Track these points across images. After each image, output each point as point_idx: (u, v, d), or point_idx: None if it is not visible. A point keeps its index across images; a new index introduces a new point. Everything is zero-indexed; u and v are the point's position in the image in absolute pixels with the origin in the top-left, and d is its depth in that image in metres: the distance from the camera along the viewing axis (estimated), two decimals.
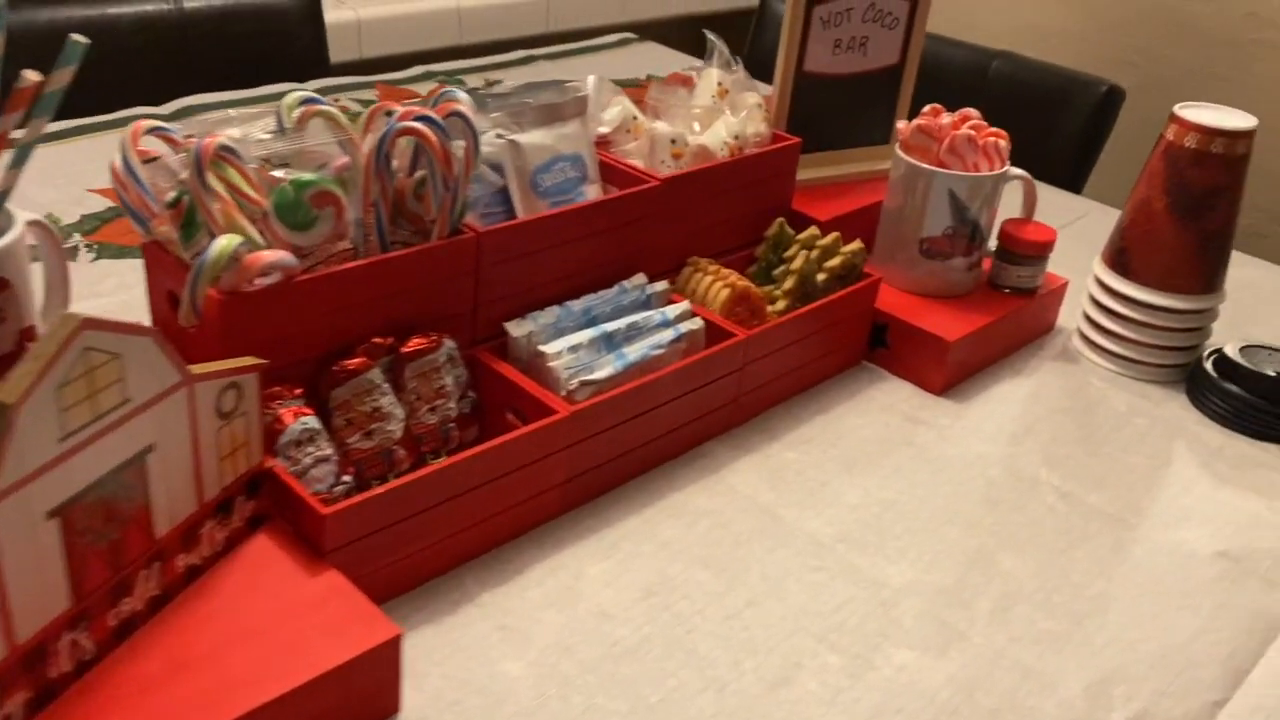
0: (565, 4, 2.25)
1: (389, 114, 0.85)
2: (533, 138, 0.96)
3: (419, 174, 0.86)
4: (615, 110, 1.07)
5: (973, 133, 1.11)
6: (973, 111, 1.16)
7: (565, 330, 0.92)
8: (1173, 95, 2.18)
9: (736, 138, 1.07)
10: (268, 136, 0.82)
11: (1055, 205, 1.56)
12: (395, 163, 0.85)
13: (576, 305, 0.95)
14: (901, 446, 1.02)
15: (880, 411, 1.07)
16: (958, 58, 1.82)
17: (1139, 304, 1.13)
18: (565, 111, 1.00)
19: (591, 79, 1.08)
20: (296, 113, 0.85)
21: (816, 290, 1.07)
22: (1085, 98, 1.69)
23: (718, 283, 1.04)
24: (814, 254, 1.11)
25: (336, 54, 1.84)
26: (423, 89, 1.74)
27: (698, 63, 1.15)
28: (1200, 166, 1.07)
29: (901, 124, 1.14)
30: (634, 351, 0.91)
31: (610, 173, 1.04)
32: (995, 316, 1.13)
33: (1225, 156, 1.07)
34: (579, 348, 0.90)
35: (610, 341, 0.92)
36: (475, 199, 0.93)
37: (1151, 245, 1.11)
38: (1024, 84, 1.74)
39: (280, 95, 1.76)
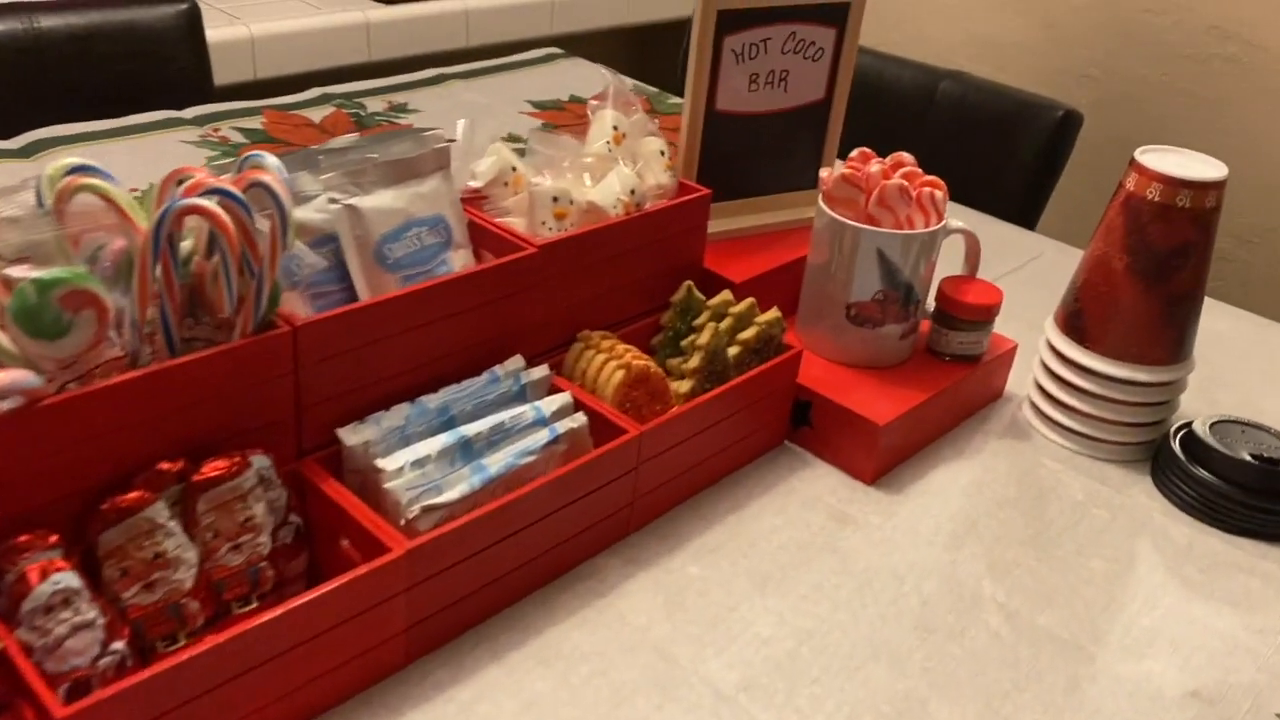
0: (486, 17, 2.09)
1: (181, 182, 0.69)
2: (378, 200, 0.81)
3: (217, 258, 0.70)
4: (490, 161, 0.91)
5: (905, 183, 0.96)
6: (906, 157, 1.02)
7: (415, 435, 0.77)
8: (1133, 111, 2.05)
9: (633, 192, 0.92)
10: (21, 214, 0.66)
11: (1006, 243, 1.42)
12: (187, 243, 0.69)
13: (433, 401, 0.80)
14: (825, 554, 0.87)
15: (802, 507, 0.92)
16: (904, 78, 1.68)
17: (1096, 375, 0.99)
18: (421, 166, 0.84)
19: (462, 123, 0.92)
20: (62, 184, 0.69)
21: (728, 366, 0.93)
22: (1040, 123, 1.55)
23: (611, 362, 0.89)
24: (725, 324, 0.96)
25: (225, 75, 1.68)
26: (317, 114, 1.58)
27: (629, 81, 1.00)
28: (1165, 222, 0.94)
29: (825, 172, 0.99)
30: (497, 462, 0.76)
31: (482, 236, 0.89)
32: (933, 391, 0.99)
33: (1193, 211, 0.93)
34: (426, 461, 0.74)
35: (468, 450, 0.76)
36: (300, 279, 0.77)
37: (1110, 309, 0.98)
38: (974, 107, 1.61)
39: (153, 126, 1.61)
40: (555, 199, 0.89)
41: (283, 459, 0.74)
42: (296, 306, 0.77)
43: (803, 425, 0.99)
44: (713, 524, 0.90)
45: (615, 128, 0.96)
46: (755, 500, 0.93)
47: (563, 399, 0.82)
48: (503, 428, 0.78)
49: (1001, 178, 1.57)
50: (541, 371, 0.85)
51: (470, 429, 0.77)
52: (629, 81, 1.00)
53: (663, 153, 0.97)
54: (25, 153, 1.35)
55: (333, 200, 0.78)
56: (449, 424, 0.79)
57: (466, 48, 2.03)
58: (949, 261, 1.11)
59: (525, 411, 0.80)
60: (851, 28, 1.06)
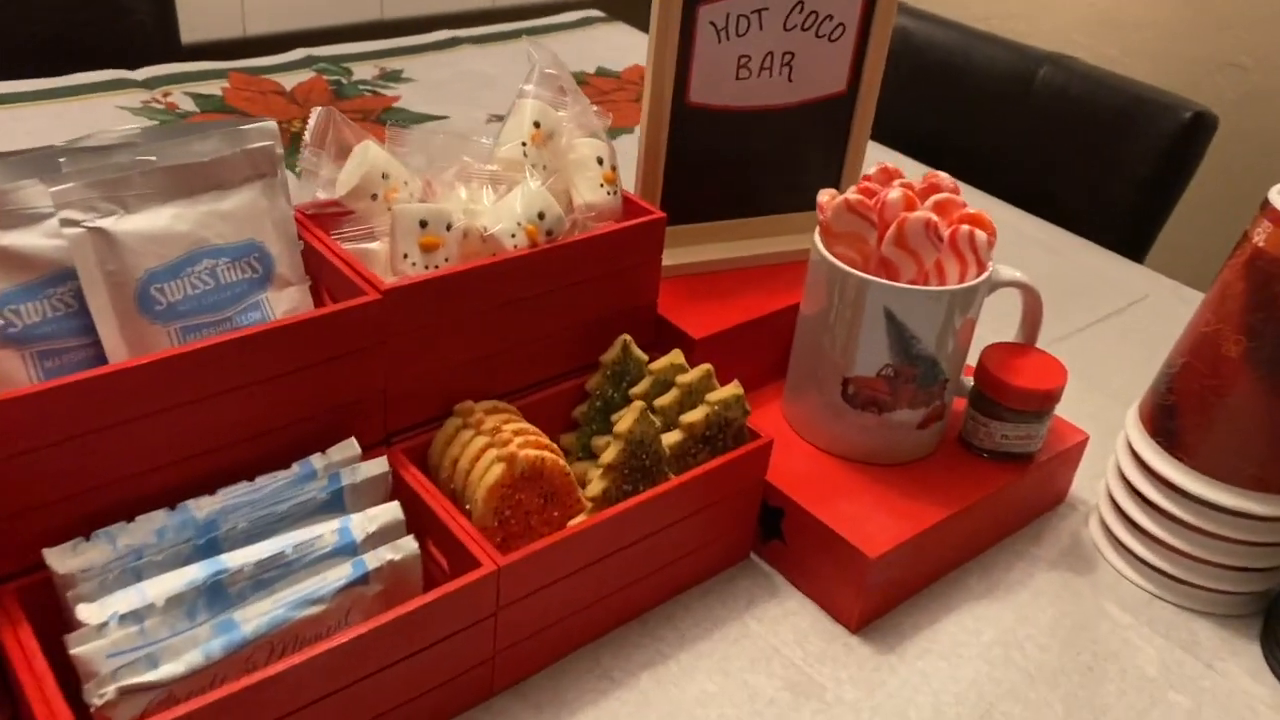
0: None
1: None
2: (144, 222, 0.57)
3: None
4: (354, 163, 0.67)
5: (934, 217, 0.69)
6: (945, 179, 0.74)
7: (154, 565, 0.54)
8: None
9: (541, 215, 0.67)
10: None
11: (1102, 278, 1.12)
12: None
13: (204, 509, 0.56)
14: None
15: (751, 664, 0.67)
16: (996, 60, 1.37)
17: (1190, 498, 0.70)
18: (225, 173, 0.61)
19: (318, 110, 0.68)
20: None
21: (661, 461, 0.67)
22: (1161, 125, 1.23)
23: (491, 451, 0.65)
24: (667, 399, 0.70)
25: (207, 30, 1.47)
26: (291, 80, 1.36)
27: (557, 58, 0.75)
28: None
29: (824, 195, 0.72)
30: (258, 616, 0.53)
31: (327, 271, 0.65)
32: (958, 505, 0.71)
33: None
34: (147, 613, 0.51)
35: (218, 595, 0.53)
36: (26, 329, 0.55)
37: (1216, 410, 0.69)
38: (1078, 100, 1.29)
39: (93, 87, 1.41)
40: (423, 223, 0.64)
41: None
42: (13, 369, 0.55)
43: (773, 537, 0.73)
44: (618, 685, 0.65)
45: (536, 124, 0.71)
46: (688, 648, 0.67)
47: (387, 514, 0.58)
48: (281, 560, 0.55)
49: (1105, 192, 1.26)
50: (375, 468, 0.61)
51: (232, 560, 0.54)
52: (559, 59, 0.74)
53: (601, 160, 0.72)
54: None
55: (69, 222, 0.55)
56: (211, 548, 0.55)
57: (497, 7, 1.79)
58: (998, 320, 0.83)
59: (324, 534, 0.56)
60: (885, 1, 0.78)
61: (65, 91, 1.26)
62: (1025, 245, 1.17)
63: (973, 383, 0.76)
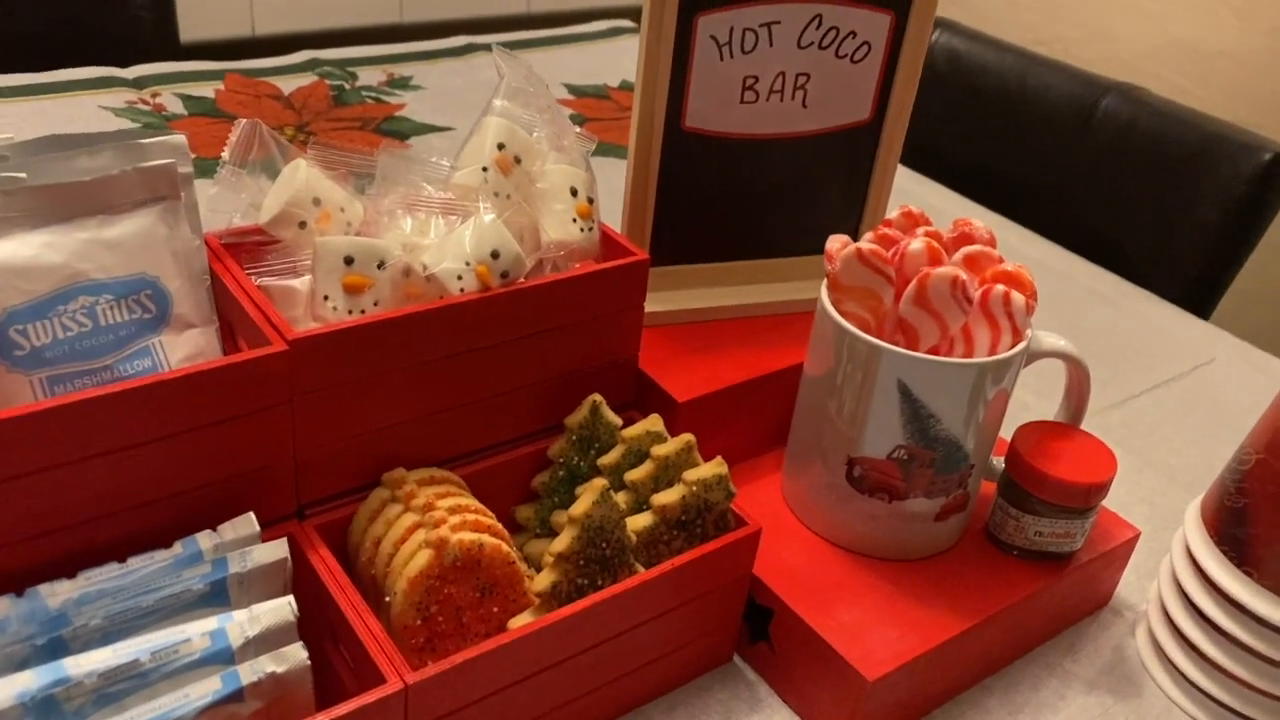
0: None
1: None
2: (3, 251, 0.48)
3: None
4: (280, 185, 0.58)
5: (963, 274, 0.58)
6: (979, 228, 0.63)
7: None
8: None
9: (495, 255, 0.57)
10: None
11: (1163, 336, 1.00)
12: None
13: (54, 595, 0.47)
14: None
15: None
16: (1054, 88, 1.25)
17: (1262, 623, 0.59)
18: (116, 194, 0.51)
19: (241, 123, 0.59)
20: None
21: (624, 550, 0.57)
22: (1237, 166, 1.10)
23: (420, 532, 0.55)
24: (639, 474, 0.60)
25: (211, 29, 1.39)
26: (290, 84, 1.27)
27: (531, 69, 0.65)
28: None
29: (834, 242, 0.61)
30: None
31: (235, 314, 0.56)
32: (980, 616, 0.60)
33: None
34: None
35: (51, 712, 0.43)
36: None
37: None
38: (1145, 136, 1.17)
39: (77, 85, 1.33)
40: (349, 260, 0.54)
41: None
42: None
43: (759, 640, 0.62)
44: None
45: (500, 146, 0.61)
46: None
47: (274, 615, 0.48)
48: (135, 669, 0.45)
49: (1170, 239, 1.14)
50: (271, 553, 0.51)
51: (79, 666, 0.44)
52: (535, 73, 0.64)
53: (575, 191, 0.62)
54: None
55: None
56: (54, 649, 0.46)
57: (527, 14, 1.70)
58: (1036, 392, 0.71)
59: (193, 637, 0.46)
60: (919, 15, 0.67)
61: (48, 88, 1.18)
62: (1077, 294, 1.05)
63: (1003, 466, 0.64)
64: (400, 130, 1.20)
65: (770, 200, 0.71)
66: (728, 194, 0.69)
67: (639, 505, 0.60)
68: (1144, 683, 0.65)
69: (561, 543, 0.56)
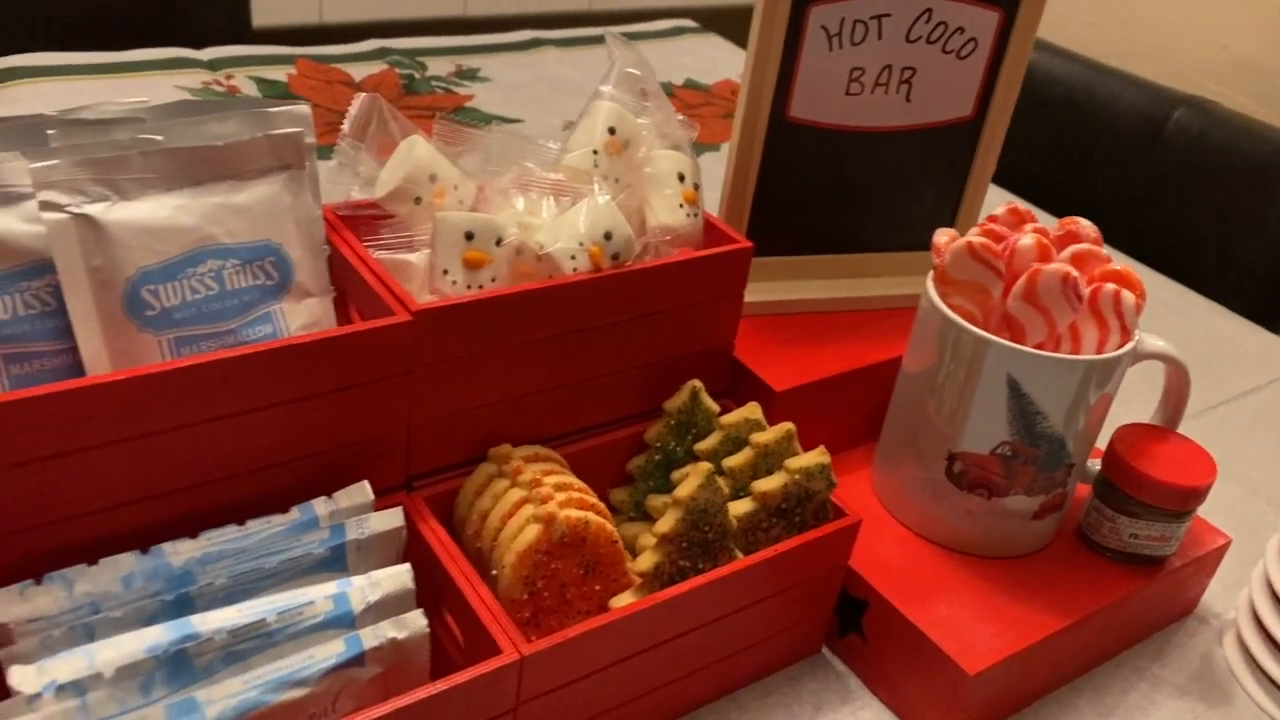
0: None
1: None
2: (141, 211, 0.49)
3: None
4: (397, 160, 0.58)
5: (1073, 271, 0.58)
6: (1087, 227, 0.63)
7: (113, 622, 0.45)
8: None
9: (608, 236, 0.57)
10: None
11: (1239, 350, 1.00)
12: None
13: (176, 554, 0.47)
14: None
15: None
16: (1124, 99, 1.25)
17: None
18: (246, 160, 0.52)
19: (361, 98, 0.59)
20: None
21: (726, 535, 0.57)
22: None
23: (527, 508, 0.55)
24: (737, 461, 0.60)
25: (279, 15, 1.40)
26: (361, 71, 1.28)
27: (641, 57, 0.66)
28: None
29: (942, 235, 0.61)
30: (225, 696, 0.43)
31: (355, 285, 0.56)
32: (1077, 614, 0.60)
33: None
34: (92, 684, 0.42)
35: (182, 666, 0.44)
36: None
37: None
38: (1219, 149, 1.16)
39: (153, 64, 1.34)
40: (469, 236, 0.55)
41: None
42: None
43: (851, 632, 0.62)
44: None
45: (611, 130, 0.61)
46: None
47: (394, 581, 0.48)
48: (261, 629, 0.45)
49: (1241, 252, 1.13)
50: (388, 521, 0.51)
51: (204, 624, 0.45)
52: (644, 58, 0.65)
53: (682, 177, 0.62)
54: None
55: (50, 206, 0.46)
56: (182, 605, 0.46)
57: (590, 11, 1.71)
58: (1135, 398, 0.71)
59: (317, 601, 0.47)
60: (1027, 14, 0.67)
61: (125, 67, 1.19)
62: (1147, 305, 1.04)
63: (1100, 469, 0.64)
64: (469, 122, 1.21)
65: (866, 194, 0.71)
66: (825, 186, 0.69)
67: (736, 492, 0.60)
68: (1234, 691, 0.65)
69: (665, 524, 0.56)
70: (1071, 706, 0.62)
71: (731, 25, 1.75)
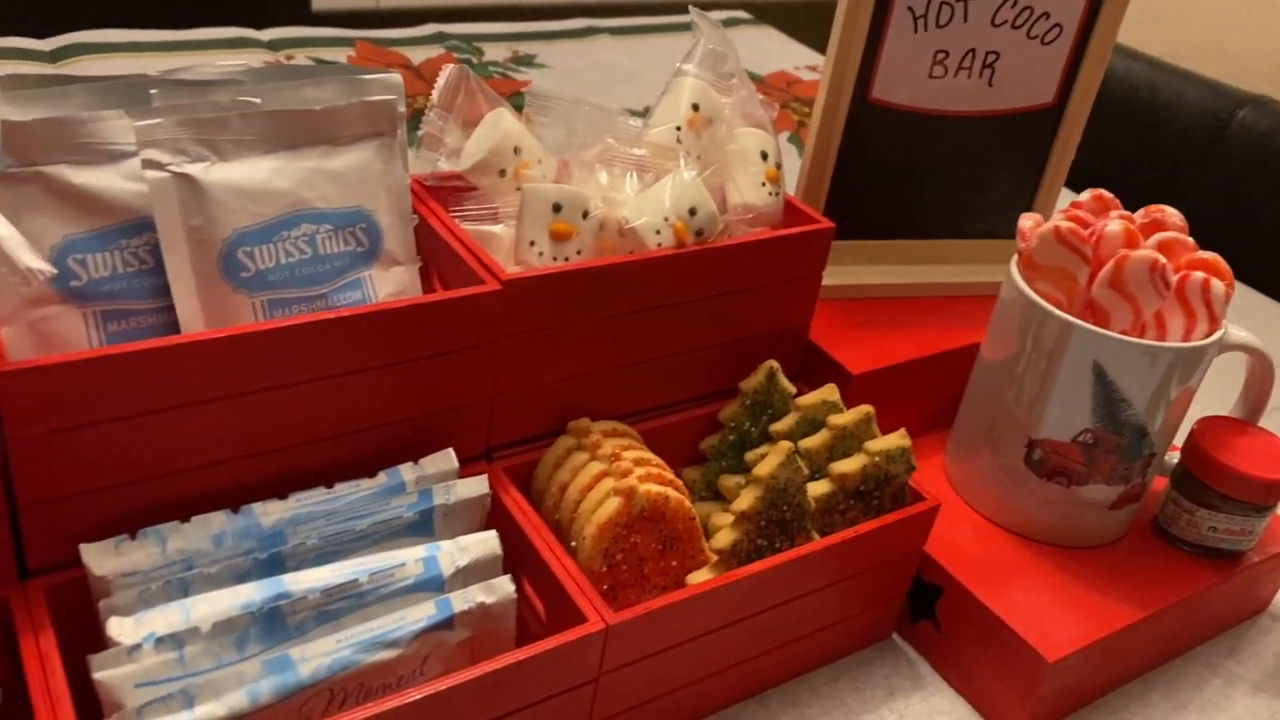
0: None
1: None
2: (240, 172, 0.49)
3: None
4: (484, 132, 0.58)
5: (1161, 258, 0.57)
6: (1172, 215, 0.62)
7: (205, 579, 0.45)
8: None
9: (693, 212, 0.57)
10: None
11: None
12: None
13: (266, 514, 0.48)
14: None
15: None
16: (1186, 98, 1.24)
17: None
18: (341, 126, 0.52)
19: (448, 68, 0.59)
20: None
21: (804, 516, 0.57)
22: None
23: (607, 481, 0.55)
24: (814, 442, 0.60)
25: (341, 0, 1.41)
26: (420, 55, 1.29)
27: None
28: None
29: (1027, 220, 0.61)
30: (320, 655, 0.43)
31: (443, 252, 0.56)
32: (1153, 606, 0.59)
33: None
34: (193, 637, 0.42)
35: (275, 624, 0.44)
36: (91, 284, 0.47)
37: None
38: None
39: (214, 43, 1.35)
40: (557, 208, 0.55)
41: None
42: (71, 329, 0.47)
43: (924, 619, 0.62)
44: None
45: (695, 107, 0.61)
46: None
47: (482, 546, 0.48)
48: (353, 589, 0.45)
49: None
50: (474, 487, 0.51)
51: (296, 583, 0.45)
52: (728, 37, 0.64)
53: (765, 155, 0.62)
54: (54, 57, 1.12)
55: (152, 164, 0.47)
56: (274, 565, 0.46)
57: (638, 1, 1.70)
58: (1216, 392, 0.70)
59: (408, 563, 0.47)
60: (1113, 2, 0.67)
61: (188, 45, 1.20)
62: None
63: (1179, 461, 0.63)
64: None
65: (944, 179, 0.70)
66: (903, 170, 0.69)
67: (813, 475, 0.60)
68: None
69: (744, 502, 0.55)
70: (1145, 700, 0.62)
71: (786, 17, 1.75)
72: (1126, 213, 0.62)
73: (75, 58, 1.12)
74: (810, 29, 1.71)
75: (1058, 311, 0.58)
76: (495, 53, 1.34)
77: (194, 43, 1.21)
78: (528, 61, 1.33)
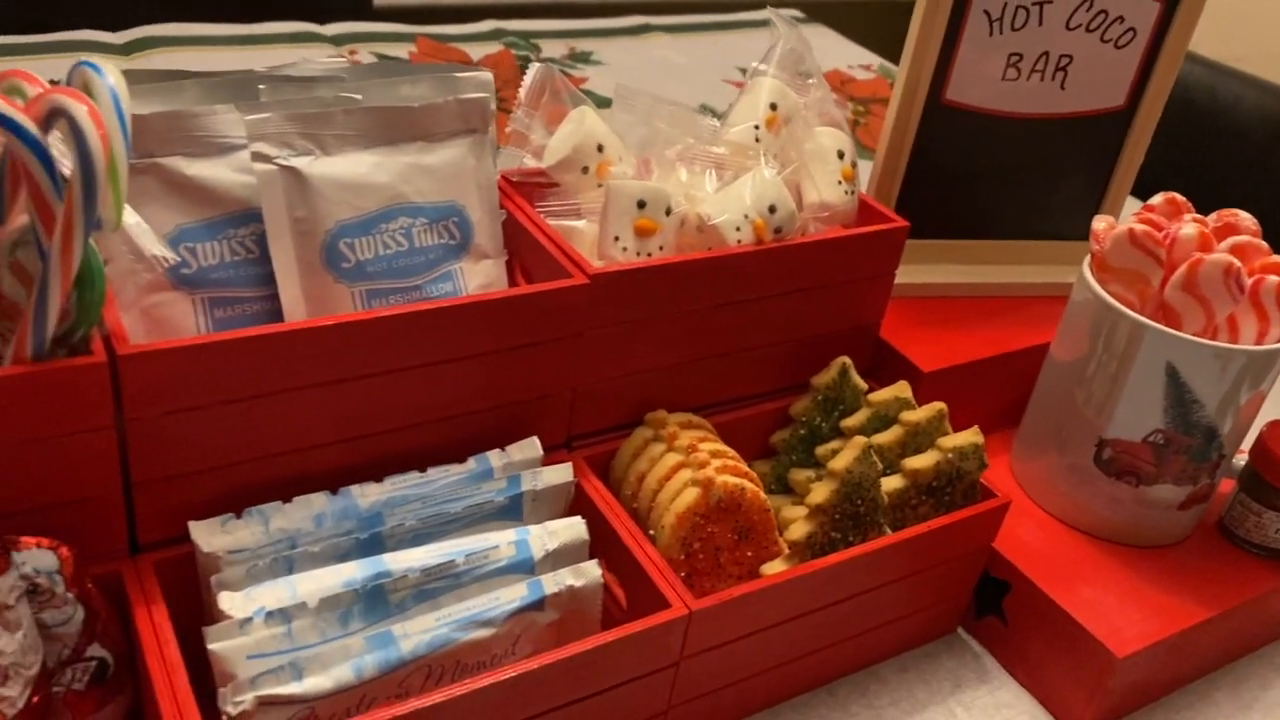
0: None
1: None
2: (343, 166, 0.51)
3: (24, 219, 0.43)
4: (568, 130, 0.60)
5: (1235, 261, 0.58)
6: (1245, 219, 0.63)
7: (307, 557, 0.47)
8: None
9: (773, 209, 0.58)
10: None
11: None
12: None
13: (363, 496, 0.49)
14: None
15: None
16: (1246, 101, 1.23)
17: None
18: (434, 123, 0.54)
19: (536, 67, 0.61)
20: None
21: (877, 510, 0.58)
22: None
23: (685, 471, 0.56)
24: (887, 437, 0.61)
25: None
26: (479, 51, 1.31)
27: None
28: None
29: (1101, 222, 0.61)
30: (420, 632, 0.45)
31: (528, 246, 0.58)
32: (1221, 606, 0.60)
33: None
34: (297, 613, 0.44)
35: (378, 601, 0.46)
36: (201, 271, 0.49)
37: None
38: None
39: (281, 38, 1.38)
40: (641, 204, 0.56)
41: (102, 553, 0.47)
42: (181, 315, 0.49)
43: (990, 614, 0.63)
44: None
45: (773, 106, 0.62)
46: None
47: (570, 531, 0.50)
48: (450, 570, 0.47)
49: None
50: (559, 475, 0.53)
51: (396, 563, 0.46)
52: (804, 37, 0.65)
53: (841, 154, 0.63)
54: (127, 50, 1.15)
55: (261, 157, 0.48)
56: (373, 544, 0.48)
57: None
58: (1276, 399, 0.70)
59: (502, 545, 0.48)
60: (1189, 4, 0.67)
61: (254, 39, 1.23)
62: None
63: (1247, 464, 0.64)
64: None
65: (1013, 181, 0.71)
66: (973, 170, 0.70)
67: (885, 471, 0.61)
68: None
69: (819, 495, 0.57)
70: (1209, 699, 0.62)
71: (838, 16, 1.75)
72: (1200, 216, 0.62)
73: (146, 51, 1.15)
74: (863, 28, 1.71)
75: (1131, 313, 0.58)
76: (552, 49, 1.35)
77: (260, 37, 1.23)
78: (584, 58, 1.34)
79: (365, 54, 1.24)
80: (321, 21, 1.28)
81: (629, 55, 1.37)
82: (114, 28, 1.17)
